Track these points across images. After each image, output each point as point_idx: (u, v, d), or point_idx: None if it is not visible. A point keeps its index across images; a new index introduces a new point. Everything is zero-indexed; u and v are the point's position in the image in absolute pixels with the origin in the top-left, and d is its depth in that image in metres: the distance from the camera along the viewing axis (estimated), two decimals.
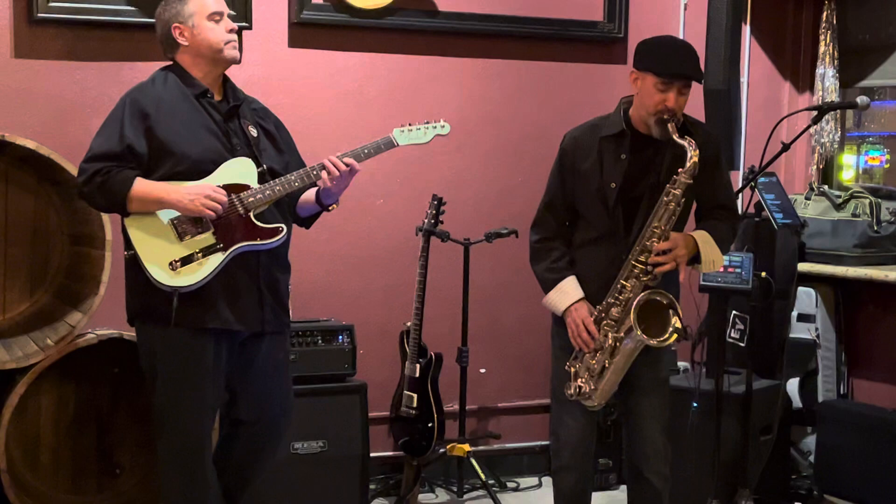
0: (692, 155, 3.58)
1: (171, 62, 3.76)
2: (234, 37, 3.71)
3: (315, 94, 5.06)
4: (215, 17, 3.67)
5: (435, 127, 3.89)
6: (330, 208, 3.84)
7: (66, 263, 4.47)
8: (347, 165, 3.69)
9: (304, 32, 4.99)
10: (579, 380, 3.75)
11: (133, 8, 4.63)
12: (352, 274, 5.18)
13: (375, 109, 5.16)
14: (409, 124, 3.87)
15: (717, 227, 3.80)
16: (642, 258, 3.64)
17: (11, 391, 4.08)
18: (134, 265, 3.59)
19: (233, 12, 3.87)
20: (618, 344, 3.67)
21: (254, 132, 3.73)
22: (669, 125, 3.61)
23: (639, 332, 3.58)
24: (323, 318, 4.94)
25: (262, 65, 4.93)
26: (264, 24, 4.90)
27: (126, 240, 3.60)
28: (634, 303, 3.61)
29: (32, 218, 4.43)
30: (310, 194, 3.82)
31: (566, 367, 3.79)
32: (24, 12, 4.51)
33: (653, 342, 3.61)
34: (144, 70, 4.65)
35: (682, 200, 3.61)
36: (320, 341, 4.74)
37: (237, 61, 3.74)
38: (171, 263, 3.54)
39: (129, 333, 4.29)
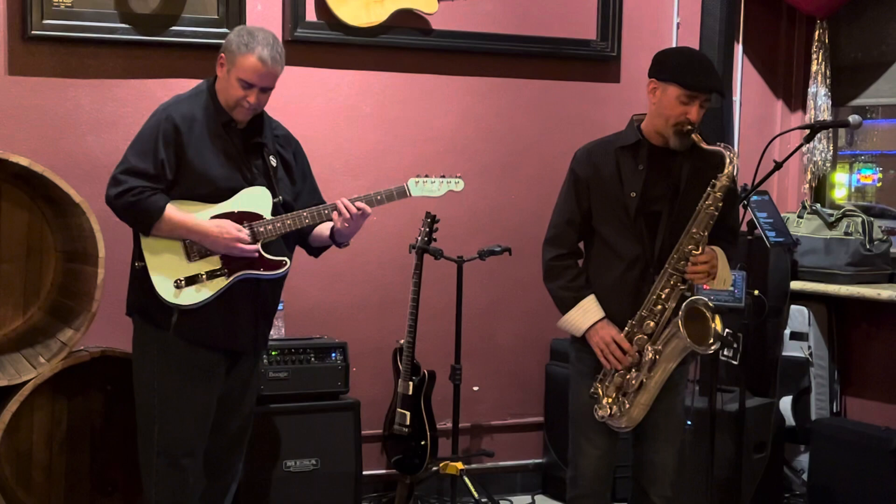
0: (731, 158, 3.51)
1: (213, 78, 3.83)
2: (251, 105, 3.70)
3: (309, 112, 5.06)
4: (245, 83, 3.67)
5: (450, 182, 4.07)
6: (342, 245, 3.95)
7: (60, 280, 4.47)
8: (359, 209, 3.79)
9: (297, 50, 4.99)
10: (606, 399, 3.63)
11: (127, 25, 4.63)
12: (345, 291, 5.18)
13: (369, 127, 5.17)
14: (426, 176, 4.03)
15: (728, 249, 3.74)
16: (680, 265, 3.54)
17: (3, 409, 4.07)
18: (142, 273, 3.70)
19: (270, 87, 3.77)
20: (657, 357, 3.57)
21: (273, 162, 3.82)
22: (694, 136, 3.54)
23: (685, 336, 3.47)
24: (316, 336, 4.94)
25: None
26: None
27: (138, 251, 3.70)
28: (682, 309, 3.51)
29: (26, 235, 4.44)
30: (324, 229, 3.91)
31: (590, 393, 3.66)
32: (18, 30, 4.51)
33: (699, 348, 3.51)
34: (139, 87, 4.67)
35: (721, 205, 3.53)
36: (313, 359, 4.73)
37: (241, 122, 3.76)
38: (176, 281, 3.66)
39: (123, 350, 4.29)
